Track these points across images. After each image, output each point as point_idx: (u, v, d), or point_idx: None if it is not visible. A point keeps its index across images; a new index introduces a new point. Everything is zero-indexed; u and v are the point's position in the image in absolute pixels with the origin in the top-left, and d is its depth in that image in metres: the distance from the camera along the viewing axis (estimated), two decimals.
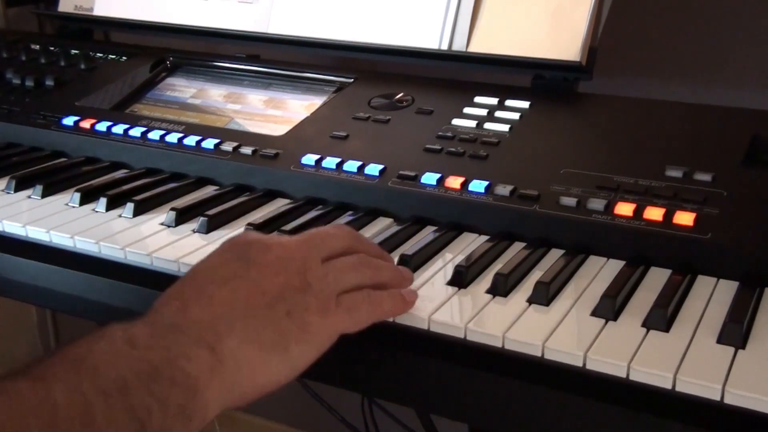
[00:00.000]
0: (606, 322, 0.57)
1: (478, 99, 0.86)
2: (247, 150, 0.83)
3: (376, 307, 0.57)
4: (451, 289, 0.62)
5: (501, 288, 0.61)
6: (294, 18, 1.01)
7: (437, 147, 0.78)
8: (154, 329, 0.50)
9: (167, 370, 0.47)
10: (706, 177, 0.69)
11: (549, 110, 0.84)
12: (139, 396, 0.45)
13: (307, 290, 0.54)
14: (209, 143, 0.85)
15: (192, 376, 0.48)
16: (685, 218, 0.64)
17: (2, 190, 0.84)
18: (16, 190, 0.83)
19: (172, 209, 0.75)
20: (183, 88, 1.01)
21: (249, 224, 0.72)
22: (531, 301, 0.60)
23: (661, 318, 0.56)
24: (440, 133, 0.81)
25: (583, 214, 0.67)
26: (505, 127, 0.80)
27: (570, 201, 0.68)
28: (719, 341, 0.53)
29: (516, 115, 0.82)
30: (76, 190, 0.80)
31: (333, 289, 0.55)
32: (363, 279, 0.58)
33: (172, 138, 0.87)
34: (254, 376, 0.51)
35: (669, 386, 0.50)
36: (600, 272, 0.65)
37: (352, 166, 0.78)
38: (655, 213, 0.65)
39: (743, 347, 0.53)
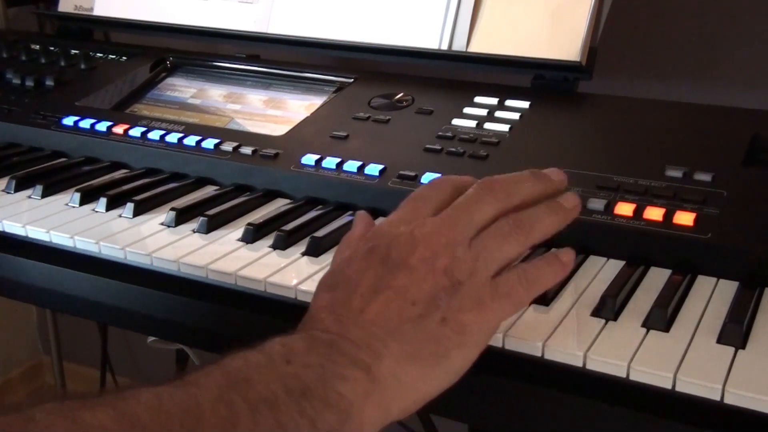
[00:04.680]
0: (606, 322, 0.56)
1: (478, 99, 0.86)
2: (247, 150, 0.83)
3: (534, 284, 0.53)
4: None
5: None
6: (294, 18, 1.01)
7: (437, 147, 0.78)
8: (312, 346, 0.48)
9: (320, 389, 0.46)
10: (706, 177, 0.69)
11: (549, 110, 0.84)
12: (289, 413, 0.44)
13: (458, 289, 0.50)
14: (209, 143, 0.85)
15: (346, 398, 0.46)
16: (685, 218, 0.64)
17: (2, 190, 0.84)
18: (16, 190, 0.83)
19: (172, 209, 0.75)
20: (183, 88, 1.01)
21: (249, 224, 0.72)
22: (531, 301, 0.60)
23: (661, 318, 0.56)
24: (440, 133, 0.81)
25: (583, 214, 0.67)
26: (505, 127, 0.80)
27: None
28: (719, 341, 0.53)
29: (516, 115, 0.82)
30: (76, 190, 0.80)
31: (485, 277, 0.52)
32: (516, 248, 0.53)
33: (172, 138, 0.87)
34: (415, 392, 0.49)
35: (669, 386, 0.50)
36: (600, 272, 0.65)
37: (352, 166, 0.78)
38: (655, 213, 0.65)
39: (743, 347, 0.53)
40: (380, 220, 0.60)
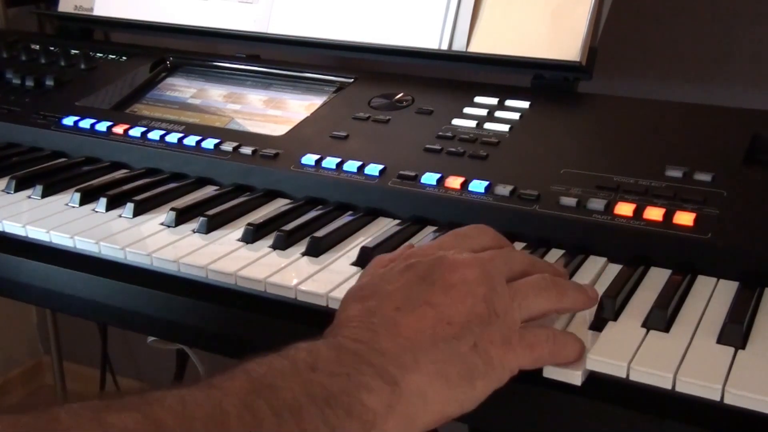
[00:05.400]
0: (606, 323, 0.56)
1: (478, 99, 0.86)
2: (247, 150, 0.83)
3: (558, 352, 0.53)
4: None
5: None
6: (294, 18, 1.01)
7: (437, 147, 0.78)
8: (338, 354, 0.48)
9: (345, 399, 0.45)
10: (706, 177, 0.69)
11: (549, 110, 0.84)
12: (312, 421, 0.44)
13: (492, 320, 0.51)
14: (209, 143, 0.85)
15: (370, 409, 0.46)
16: (685, 218, 0.64)
17: (2, 190, 0.84)
18: (16, 190, 0.83)
19: (172, 209, 0.75)
20: (183, 88, 1.01)
21: (249, 224, 0.72)
22: None
23: (661, 318, 0.56)
24: (440, 133, 0.81)
25: (583, 214, 0.67)
26: (505, 127, 0.80)
27: (570, 201, 0.68)
28: (719, 341, 0.53)
29: (516, 115, 0.82)
30: (76, 190, 0.80)
31: (517, 319, 0.53)
32: (548, 303, 0.55)
33: (172, 138, 0.87)
34: (439, 410, 0.49)
35: (669, 386, 0.50)
36: (600, 272, 0.65)
37: (352, 166, 0.78)
38: (655, 213, 0.65)
39: (743, 347, 0.53)
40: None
